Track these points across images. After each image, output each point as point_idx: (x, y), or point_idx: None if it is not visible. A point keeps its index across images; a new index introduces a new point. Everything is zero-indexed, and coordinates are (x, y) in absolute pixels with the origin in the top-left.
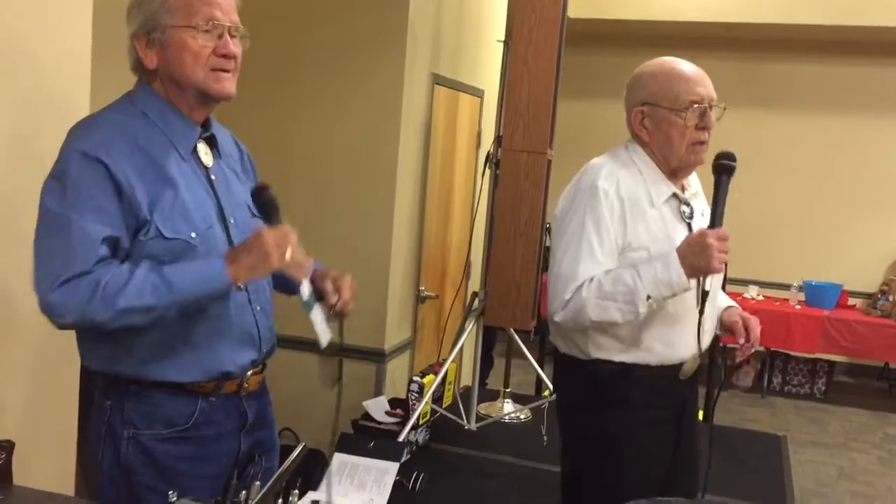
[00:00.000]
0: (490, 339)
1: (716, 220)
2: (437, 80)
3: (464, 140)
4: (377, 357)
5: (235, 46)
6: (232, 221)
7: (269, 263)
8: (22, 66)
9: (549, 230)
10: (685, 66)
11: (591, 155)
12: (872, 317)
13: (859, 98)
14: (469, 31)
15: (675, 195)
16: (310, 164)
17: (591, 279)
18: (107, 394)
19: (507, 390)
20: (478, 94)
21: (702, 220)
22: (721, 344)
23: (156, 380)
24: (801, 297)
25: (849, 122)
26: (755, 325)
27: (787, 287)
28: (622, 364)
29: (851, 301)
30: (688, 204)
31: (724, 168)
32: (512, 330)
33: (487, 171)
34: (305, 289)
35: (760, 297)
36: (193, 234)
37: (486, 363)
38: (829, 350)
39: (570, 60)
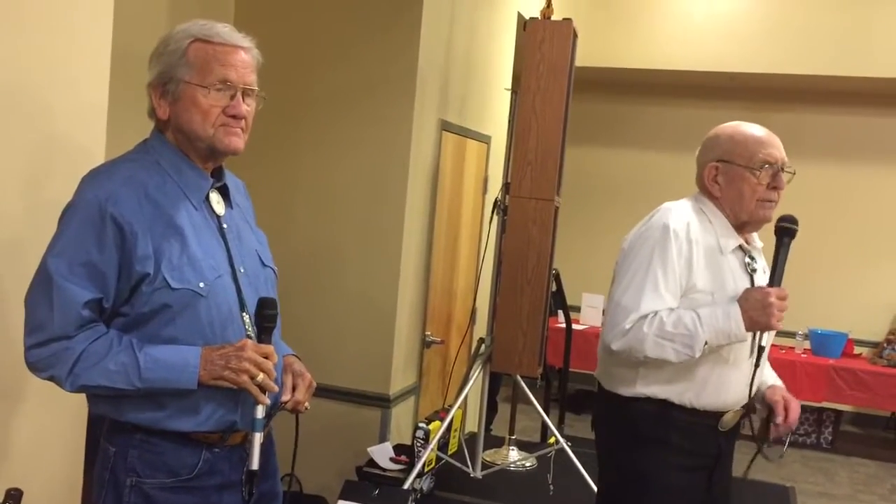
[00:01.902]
0: (494, 384)
1: (775, 279)
2: (445, 126)
3: (470, 186)
4: (382, 402)
5: (247, 106)
6: (242, 270)
7: (239, 380)
8: (38, 115)
9: (556, 276)
10: (760, 129)
11: (596, 201)
12: (878, 366)
13: (863, 147)
14: (476, 78)
15: (741, 247)
16: (318, 208)
17: (654, 315)
18: (111, 440)
19: (513, 437)
20: (484, 140)
21: (763, 276)
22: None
23: (164, 429)
24: (807, 345)
25: (853, 171)
26: (796, 407)
27: (792, 335)
28: (665, 403)
29: (857, 350)
30: (752, 257)
31: (785, 230)
32: (518, 376)
33: (495, 217)
34: (259, 412)
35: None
36: (202, 284)
37: (490, 409)
38: (836, 399)
39: (575, 107)
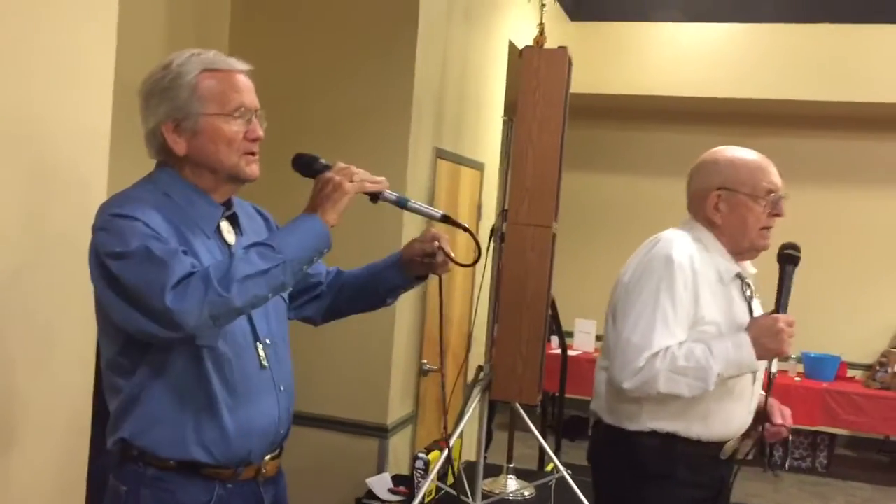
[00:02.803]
0: (490, 412)
1: (781, 306)
2: (440, 153)
3: (465, 212)
4: (380, 432)
5: (261, 129)
6: None
7: (345, 191)
8: (39, 140)
9: (551, 302)
10: (755, 154)
11: (587, 226)
12: (872, 389)
13: (852, 171)
14: (469, 105)
15: (738, 275)
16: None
17: (666, 350)
18: (122, 478)
19: (511, 465)
20: (478, 167)
21: (756, 302)
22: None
23: (177, 458)
24: (800, 368)
25: (842, 195)
26: (788, 414)
27: (785, 359)
28: (670, 436)
29: (850, 373)
30: (749, 285)
31: (789, 258)
32: (517, 404)
33: (492, 245)
34: (389, 192)
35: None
36: None
37: (486, 437)
38: (831, 423)
39: (569, 134)
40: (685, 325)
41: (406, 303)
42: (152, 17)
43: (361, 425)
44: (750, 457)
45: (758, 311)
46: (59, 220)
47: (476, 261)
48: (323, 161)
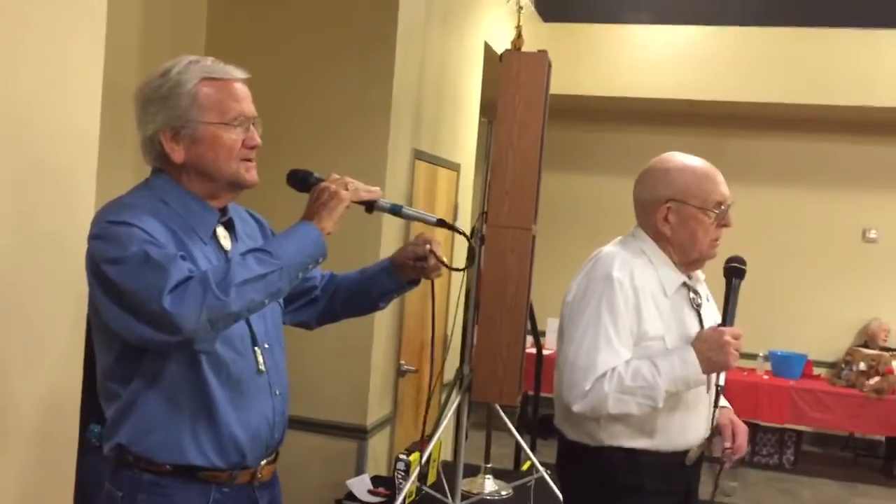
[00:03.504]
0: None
1: (727, 319)
2: (418, 154)
3: (441, 214)
4: (359, 434)
5: (259, 137)
6: None
7: (340, 199)
8: (28, 142)
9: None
10: (703, 164)
11: (558, 226)
12: (838, 387)
13: (817, 171)
14: (447, 107)
15: (684, 284)
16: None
17: (612, 371)
18: (118, 483)
19: (488, 466)
20: (454, 168)
21: (709, 306)
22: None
23: (173, 462)
24: (768, 366)
25: (808, 195)
26: (742, 432)
27: (753, 357)
28: (632, 450)
29: (816, 370)
30: (696, 292)
31: (735, 271)
32: (497, 405)
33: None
34: (384, 201)
35: None
36: None
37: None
38: (798, 421)
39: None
40: (629, 343)
41: None
42: (128, 17)
43: (341, 427)
44: (718, 455)
45: (709, 316)
46: (48, 221)
47: (469, 265)
48: (317, 175)
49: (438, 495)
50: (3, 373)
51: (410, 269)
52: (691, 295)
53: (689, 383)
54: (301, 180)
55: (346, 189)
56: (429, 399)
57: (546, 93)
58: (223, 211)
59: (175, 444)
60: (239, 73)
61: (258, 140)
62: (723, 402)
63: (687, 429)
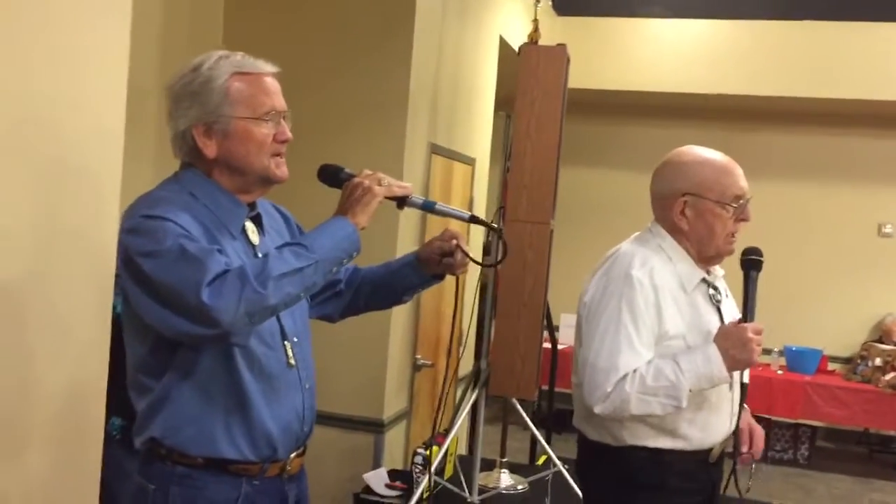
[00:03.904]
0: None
1: (748, 314)
2: (435, 149)
3: (457, 208)
4: (376, 427)
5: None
6: None
7: (374, 194)
8: (52, 139)
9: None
10: (721, 157)
11: (571, 221)
12: (853, 382)
13: (835, 166)
14: (462, 101)
15: (703, 279)
16: (308, 226)
17: (634, 372)
18: (149, 476)
19: (504, 460)
20: (470, 162)
21: (728, 301)
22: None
23: (206, 455)
24: (783, 361)
25: (824, 189)
26: (760, 436)
27: (768, 352)
28: (656, 450)
29: (831, 366)
30: (716, 288)
31: (752, 263)
32: (515, 399)
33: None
34: (416, 197)
35: None
36: None
37: (474, 431)
38: (812, 416)
39: None
40: (650, 343)
41: None
42: (147, 13)
43: (358, 420)
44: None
45: (729, 312)
46: (74, 218)
47: (500, 261)
48: (348, 170)
49: (456, 489)
50: (31, 368)
51: (436, 264)
52: (710, 291)
53: (713, 380)
54: (332, 175)
55: (380, 184)
56: (444, 394)
57: (564, 87)
58: (252, 206)
59: (208, 438)
60: (269, 68)
61: (289, 134)
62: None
63: (710, 427)
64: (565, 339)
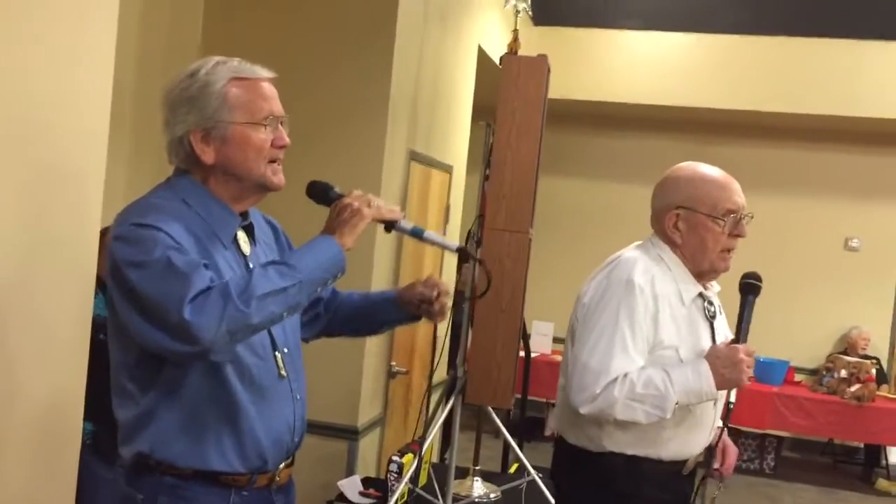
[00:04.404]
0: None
1: (741, 335)
2: (413, 156)
3: (434, 215)
4: (350, 434)
5: (287, 136)
6: None
7: (363, 216)
8: (36, 140)
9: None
10: (718, 172)
11: (546, 229)
12: (819, 393)
13: (801, 179)
14: (441, 108)
15: (700, 294)
16: (288, 233)
17: (624, 377)
18: (138, 486)
19: (477, 468)
20: (447, 169)
21: (721, 318)
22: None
23: (196, 468)
24: (750, 373)
25: (791, 203)
26: (732, 453)
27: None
28: (634, 458)
29: (797, 377)
30: (711, 303)
31: (751, 287)
32: (490, 408)
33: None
34: (405, 222)
35: None
36: None
37: (449, 439)
38: (779, 426)
39: None
40: (644, 350)
41: None
42: (125, 14)
43: (332, 427)
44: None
45: (721, 329)
46: (57, 221)
47: (483, 293)
48: (337, 189)
49: (430, 497)
50: (13, 371)
51: (415, 307)
52: (705, 304)
53: (701, 396)
54: (321, 193)
55: (369, 206)
56: (427, 402)
57: (545, 97)
58: (244, 215)
59: (198, 452)
60: (266, 73)
61: (287, 140)
62: (717, 420)
63: (690, 442)
64: (537, 346)
